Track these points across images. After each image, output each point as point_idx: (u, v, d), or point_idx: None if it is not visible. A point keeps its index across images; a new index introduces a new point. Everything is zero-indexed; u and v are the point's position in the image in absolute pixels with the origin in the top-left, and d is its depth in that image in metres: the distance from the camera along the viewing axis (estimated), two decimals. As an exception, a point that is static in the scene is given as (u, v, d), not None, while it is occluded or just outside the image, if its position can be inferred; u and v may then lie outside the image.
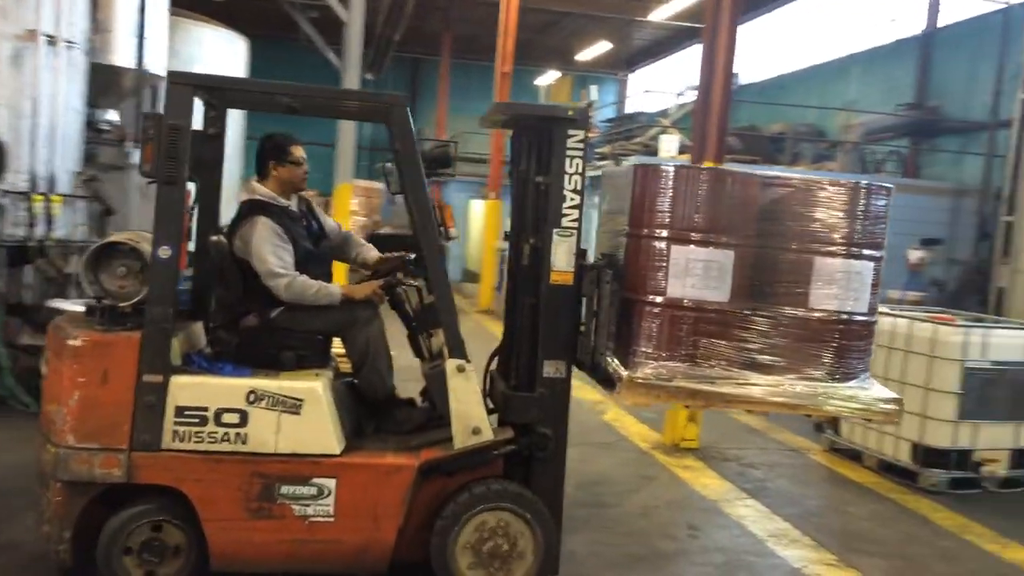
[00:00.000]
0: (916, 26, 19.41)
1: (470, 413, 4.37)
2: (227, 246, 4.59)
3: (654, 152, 16.77)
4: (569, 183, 4.41)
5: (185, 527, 4.23)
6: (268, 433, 4.22)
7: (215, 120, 4.90)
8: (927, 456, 7.01)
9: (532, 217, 4.58)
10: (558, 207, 4.42)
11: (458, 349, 4.39)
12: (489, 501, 4.38)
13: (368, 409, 4.71)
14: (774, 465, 7.68)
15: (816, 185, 4.44)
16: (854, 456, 7.78)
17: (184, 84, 4.21)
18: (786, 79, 23.08)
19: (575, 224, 4.43)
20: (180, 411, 4.17)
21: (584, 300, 4.51)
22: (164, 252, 4.15)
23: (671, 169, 4.48)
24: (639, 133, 18.61)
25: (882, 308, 6.45)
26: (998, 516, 6.49)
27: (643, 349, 4.40)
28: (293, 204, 4.73)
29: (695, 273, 4.36)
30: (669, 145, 16.28)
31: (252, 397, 4.21)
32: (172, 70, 4.26)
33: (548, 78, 28.25)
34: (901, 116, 18.30)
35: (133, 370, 4.13)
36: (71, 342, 4.14)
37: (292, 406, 4.24)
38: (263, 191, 4.62)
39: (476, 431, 4.36)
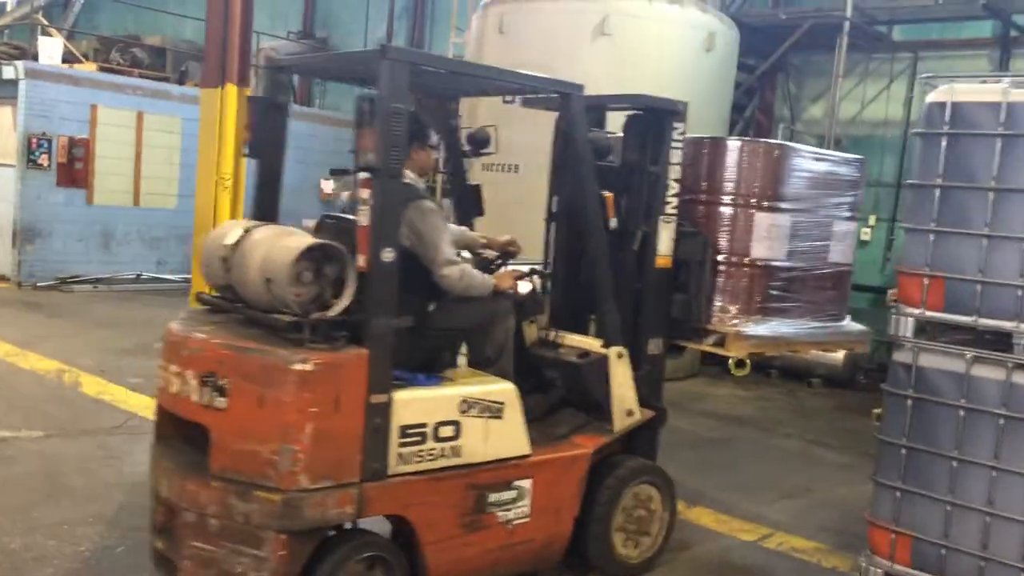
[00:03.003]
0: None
1: (626, 396, 4.84)
2: None
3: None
4: (673, 172, 5.04)
5: (396, 558, 4.14)
6: (478, 442, 4.28)
7: (283, 87, 4.52)
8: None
9: (640, 205, 5.08)
10: (663, 195, 5.03)
11: (617, 336, 4.82)
12: (637, 477, 4.95)
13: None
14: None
15: (836, 157, 5.73)
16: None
17: (403, 62, 3.96)
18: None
19: (676, 211, 5.08)
20: (403, 431, 4.04)
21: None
22: (388, 255, 3.93)
23: (739, 143, 5.42)
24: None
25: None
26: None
27: (732, 305, 5.30)
28: None
29: (773, 236, 5.35)
30: (51, 50, 14.76)
31: (464, 406, 4.23)
32: (388, 44, 3.93)
33: None
34: (303, 44, 18.46)
35: (363, 392, 3.90)
36: (299, 366, 3.74)
37: (496, 411, 4.34)
38: (409, 174, 4.47)
39: (630, 413, 4.87)
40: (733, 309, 5.28)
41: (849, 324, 5.93)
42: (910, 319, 4.79)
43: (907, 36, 12.77)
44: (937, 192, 4.73)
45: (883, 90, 12.89)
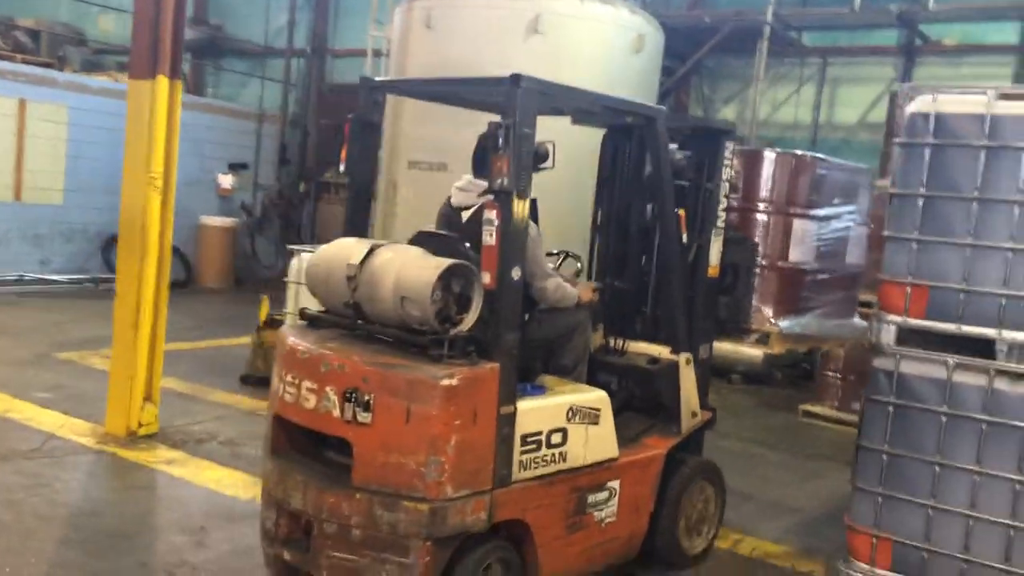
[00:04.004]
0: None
1: (691, 400, 5.30)
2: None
3: None
4: (724, 188, 5.50)
5: (514, 559, 4.47)
6: (579, 447, 4.64)
7: (378, 106, 4.77)
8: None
9: (696, 219, 5.49)
10: (716, 209, 5.48)
11: (685, 343, 5.26)
12: (699, 474, 5.43)
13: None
14: (243, 432, 7.56)
15: (852, 167, 6.34)
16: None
17: (533, 90, 4.26)
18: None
19: (724, 224, 5.54)
20: (524, 439, 4.37)
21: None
22: (516, 273, 4.25)
23: (774, 155, 5.93)
24: None
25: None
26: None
27: (767, 306, 5.83)
28: None
29: (806, 241, 5.91)
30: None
31: (570, 414, 4.59)
32: (521, 74, 4.21)
33: None
34: (196, 31, 17.97)
35: (495, 403, 4.21)
36: (446, 381, 4.03)
37: (594, 417, 4.71)
38: None
39: (694, 415, 5.32)
40: (768, 310, 5.80)
41: (858, 320, 6.57)
42: (892, 327, 4.97)
43: (817, 42, 13.67)
44: (920, 201, 4.92)
45: (792, 94, 13.75)
